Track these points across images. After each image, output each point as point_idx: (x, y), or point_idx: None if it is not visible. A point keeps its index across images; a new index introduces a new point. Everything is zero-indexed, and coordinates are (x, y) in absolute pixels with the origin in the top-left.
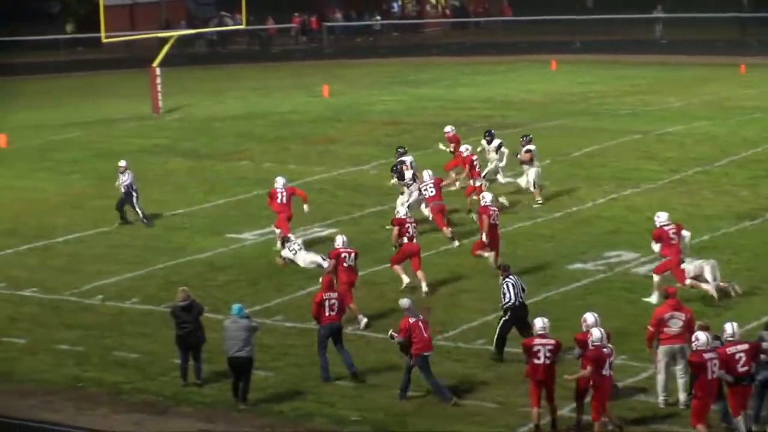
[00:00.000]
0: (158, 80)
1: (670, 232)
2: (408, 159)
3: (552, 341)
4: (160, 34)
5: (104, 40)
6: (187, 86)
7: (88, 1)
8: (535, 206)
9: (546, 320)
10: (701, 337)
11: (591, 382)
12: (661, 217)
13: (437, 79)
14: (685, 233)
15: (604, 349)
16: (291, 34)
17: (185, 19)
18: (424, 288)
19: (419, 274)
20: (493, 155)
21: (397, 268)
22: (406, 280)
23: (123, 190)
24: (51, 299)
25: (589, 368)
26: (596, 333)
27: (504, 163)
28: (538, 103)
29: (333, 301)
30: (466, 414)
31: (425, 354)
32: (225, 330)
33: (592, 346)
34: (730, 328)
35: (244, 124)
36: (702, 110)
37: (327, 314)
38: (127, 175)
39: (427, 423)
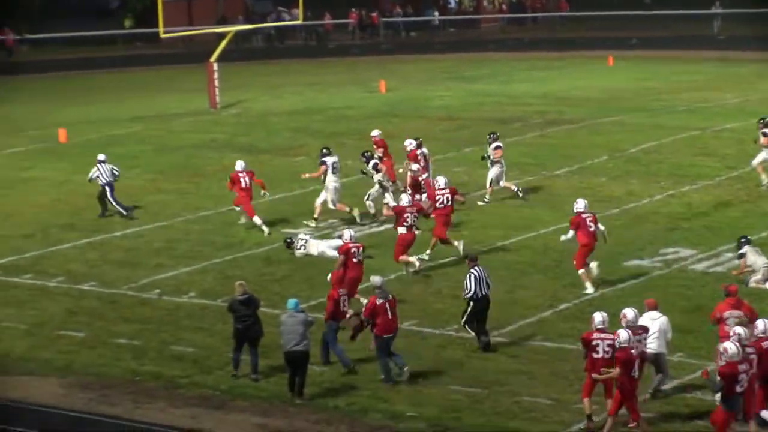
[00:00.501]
0: (215, 75)
1: (588, 219)
2: (330, 160)
3: (611, 336)
4: (217, 30)
5: (162, 36)
6: (245, 81)
7: None
8: (479, 202)
9: (605, 315)
10: (730, 348)
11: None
12: (580, 204)
13: (493, 75)
14: (601, 226)
15: (633, 351)
16: (348, 30)
17: (243, 14)
18: (412, 269)
19: (402, 258)
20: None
21: (403, 258)
22: (415, 262)
23: (102, 181)
24: (109, 293)
25: (617, 369)
26: (623, 335)
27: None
28: (594, 99)
29: (345, 297)
30: (522, 410)
31: (386, 336)
32: (282, 324)
33: (620, 347)
34: (762, 324)
35: (300, 120)
36: (760, 107)
37: (342, 310)
38: (104, 168)
39: (482, 419)
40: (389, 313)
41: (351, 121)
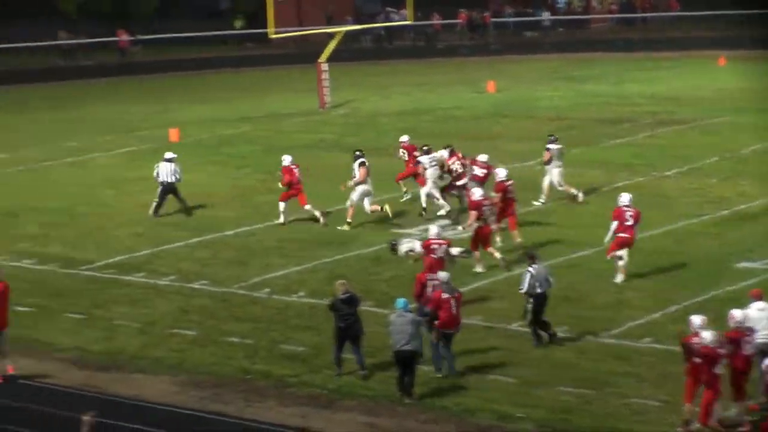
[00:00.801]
0: (325, 75)
1: (627, 213)
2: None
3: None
4: (327, 30)
5: (272, 36)
6: (354, 81)
7: None
8: (535, 202)
9: (704, 318)
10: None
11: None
12: (624, 198)
13: (603, 75)
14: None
15: (720, 350)
16: (456, 30)
17: (352, 14)
18: (502, 264)
19: (490, 249)
20: (555, 162)
21: (477, 254)
22: (479, 269)
23: (160, 179)
24: (220, 292)
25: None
26: (706, 335)
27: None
28: (705, 99)
29: (436, 281)
30: (631, 412)
31: (447, 331)
32: (390, 324)
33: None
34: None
35: (409, 120)
36: None
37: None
38: (166, 167)
39: (591, 420)
40: (453, 308)
41: (459, 121)
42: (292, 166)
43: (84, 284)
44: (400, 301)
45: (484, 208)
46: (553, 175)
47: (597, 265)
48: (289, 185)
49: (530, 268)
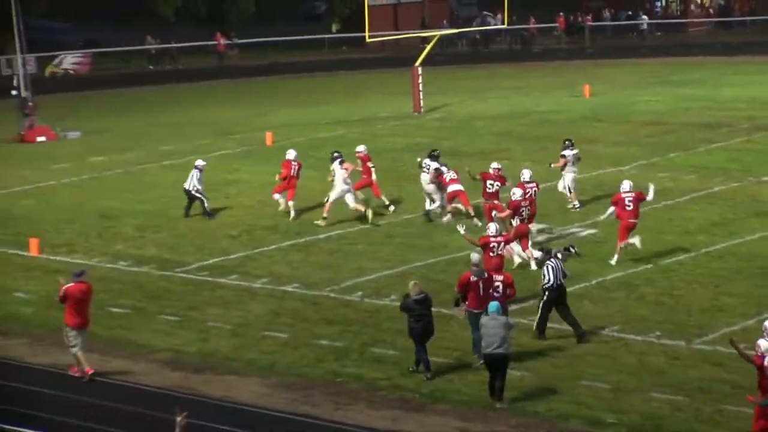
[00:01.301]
0: (420, 79)
1: (627, 199)
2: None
3: None
4: (422, 34)
5: (368, 40)
6: (449, 85)
7: (353, 0)
8: (571, 209)
9: None
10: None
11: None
12: (624, 185)
13: (701, 79)
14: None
15: None
16: (554, 34)
17: (448, 18)
18: (534, 266)
19: (528, 252)
20: (570, 167)
21: (509, 248)
22: (517, 260)
23: (186, 186)
24: (312, 295)
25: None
26: (763, 343)
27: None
28: None
29: (497, 283)
30: (725, 419)
31: (475, 311)
32: (482, 327)
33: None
34: None
35: (504, 124)
36: None
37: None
38: (195, 174)
39: (684, 427)
40: (481, 290)
41: (555, 125)
42: (293, 162)
43: (179, 286)
44: (493, 304)
45: (522, 209)
46: (567, 179)
47: (693, 270)
48: (285, 179)
49: (550, 262)
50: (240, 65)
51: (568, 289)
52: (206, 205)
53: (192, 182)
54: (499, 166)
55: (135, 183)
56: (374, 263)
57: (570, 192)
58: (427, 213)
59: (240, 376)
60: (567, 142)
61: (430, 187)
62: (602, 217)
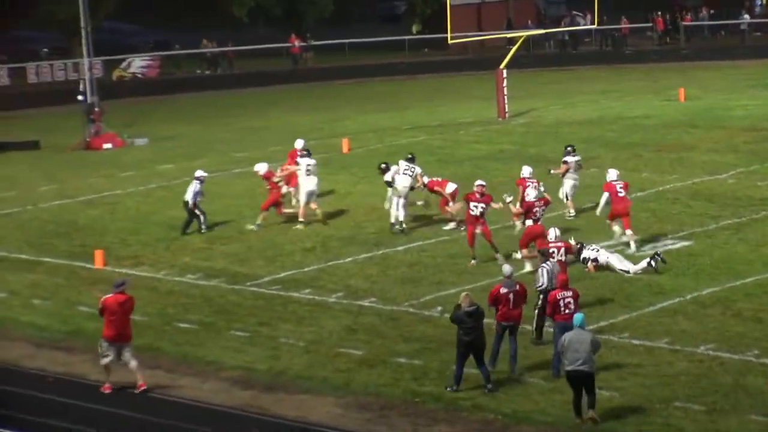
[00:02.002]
0: (505, 83)
1: (618, 186)
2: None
3: None
4: (507, 35)
5: (450, 42)
6: (535, 89)
7: (434, 0)
8: (567, 216)
9: None
10: None
11: None
12: (611, 174)
13: None
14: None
15: None
16: (647, 34)
17: (534, 18)
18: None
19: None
20: (571, 174)
21: (524, 252)
22: (528, 267)
23: (186, 198)
24: (389, 310)
25: None
26: None
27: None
28: None
29: (568, 299)
30: None
31: (504, 323)
32: (567, 341)
33: None
34: None
35: (593, 129)
36: None
37: (563, 312)
38: (193, 185)
39: None
40: (511, 303)
41: (648, 131)
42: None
43: (249, 300)
44: (578, 317)
45: (536, 209)
46: (566, 186)
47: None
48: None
49: (545, 264)
50: (315, 68)
51: (663, 304)
52: (203, 223)
53: (191, 194)
54: (483, 183)
55: (205, 192)
56: (455, 277)
57: (567, 199)
58: (393, 226)
59: (313, 396)
60: (569, 148)
61: (405, 191)
62: (599, 209)
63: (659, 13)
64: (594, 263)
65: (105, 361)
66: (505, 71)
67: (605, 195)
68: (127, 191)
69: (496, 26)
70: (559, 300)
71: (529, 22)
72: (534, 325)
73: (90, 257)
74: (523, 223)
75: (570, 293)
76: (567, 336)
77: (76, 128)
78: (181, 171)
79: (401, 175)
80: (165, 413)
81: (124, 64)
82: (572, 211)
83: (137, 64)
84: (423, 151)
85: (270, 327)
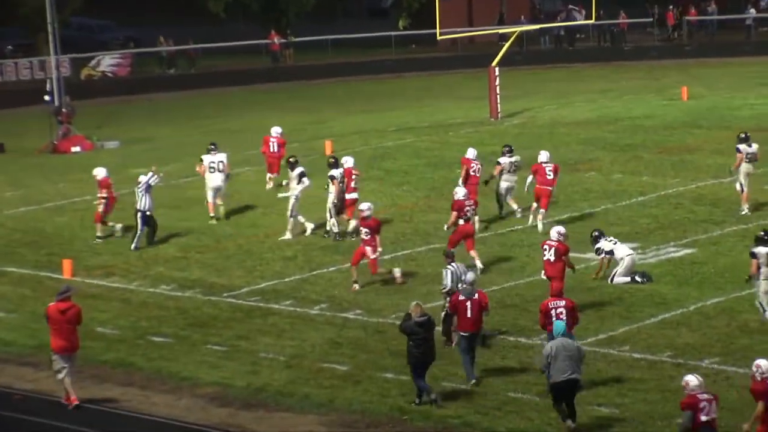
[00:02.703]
0: (497, 81)
1: (547, 168)
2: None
3: None
4: (500, 30)
5: (439, 38)
6: (529, 88)
7: None
8: (516, 215)
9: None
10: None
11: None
12: (542, 156)
13: None
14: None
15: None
16: (647, 30)
17: (528, 13)
18: (479, 265)
19: (473, 253)
20: (506, 176)
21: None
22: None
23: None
24: (375, 322)
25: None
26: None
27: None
28: None
29: (560, 309)
30: None
31: (463, 333)
32: (553, 351)
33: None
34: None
35: (591, 130)
36: None
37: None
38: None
39: None
40: (469, 311)
41: (648, 132)
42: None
43: (227, 313)
44: (559, 325)
45: (466, 208)
46: (500, 187)
47: None
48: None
49: (449, 266)
50: (297, 66)
51: (666, 315)
52: (139, 236)
53: (145, 202)
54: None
55: (178, 198)
56: None
57: (503, 200)
58: (328, 232)
59: (295, 413)
60: (506, 148)
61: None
62: (526, 187)
63: (671, 7)
64: (609, 256)
65: (60, 376)
66: (497, 69)
67: (531, 176)
68: (97, 197)
69: (488, 21)
70: (551, 309)
71: (523, 17)
72: (442, 330)
73: (58, 267)
74: (455, 224)
75: (563, 303)
76: (553, 345)
77: (42, 130)
78: None
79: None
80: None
81: (93, 63)
82: (515, 206)
83: (107, 62)
84: (410, 153)
85: (249, 341)
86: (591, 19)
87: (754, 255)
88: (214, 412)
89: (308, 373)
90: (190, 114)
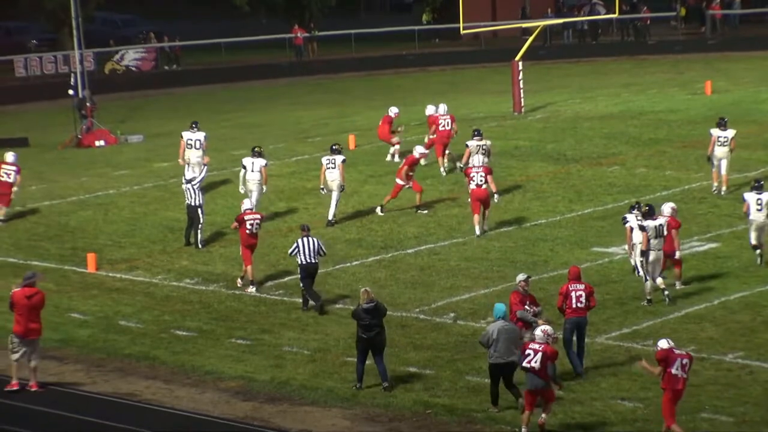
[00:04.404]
0: (520, 75)
1: (443, 119)
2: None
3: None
4: (523, 25)
5: (463, 32)
6: (553, 82)
7: None
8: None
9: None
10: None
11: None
12: (440, 108)
13: None
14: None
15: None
16: (671, 24)
17: (552, 7)
18: (478, 231)
19: (477, 218)
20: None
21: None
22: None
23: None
24: (399, 316)
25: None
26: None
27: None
28: None
29: (579, 292)
30: None
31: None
32: (493, 333)
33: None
34: None
35: (615, 125)
36: None
37: (574, 306)
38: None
39: None
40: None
41: (672, 126)
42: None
43: (251, 307)
44: (500, 308)
45: (472, 174)
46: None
47: None
48: None
49: (301, 239)
50: (320, 60)
51: (688, 310)
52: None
53: (200, 196)
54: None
55: (205, 192)
56: (469, 281)
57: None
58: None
59: (318, 407)
60: (475, 132)
61: (336, 184)
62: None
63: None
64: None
65: (15, 357)
66: (520, 63)
67: (433, 127)
68: (120, 191)
69: (512, 15)
70: (571, 292)
71: (548, 11)
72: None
73: (82, 261)
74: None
75: (582, 286)
76: (495, 328)
77: (66, 124)
78: (178, 170)
79: (328, 170)
80: (163, 426)
81: (117, 57)
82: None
83: (131, 56)
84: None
85: (272, 334)
86: (614, 13)
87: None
88: (238, 406)
89: (332, 367)
90: (214, 108)
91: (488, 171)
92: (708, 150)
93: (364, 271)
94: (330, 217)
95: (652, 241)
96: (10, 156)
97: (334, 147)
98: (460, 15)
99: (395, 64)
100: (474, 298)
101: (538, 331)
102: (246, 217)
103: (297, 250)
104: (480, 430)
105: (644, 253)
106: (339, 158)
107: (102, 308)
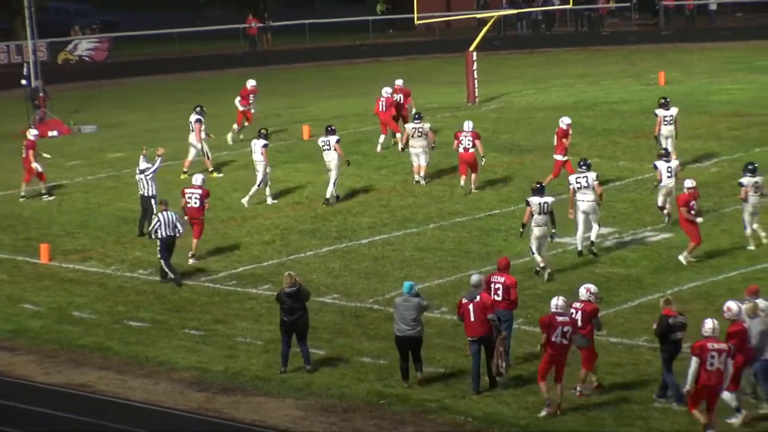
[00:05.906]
0: (474, 66)
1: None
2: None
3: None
4: (477, 15)
5: (417, 23)
6: (507, 73)
7: None
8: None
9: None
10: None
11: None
12: (466, 126)
13: None
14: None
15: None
16: (624, 15)
17: None
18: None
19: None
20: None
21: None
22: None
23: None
24: (353, 307)
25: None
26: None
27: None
28: None
29: (498, 285)
30: None
31: (469, 338)
32: (394, 308)
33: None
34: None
35: (569, 115)
36: None
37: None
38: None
39: None
40: (472, 315)
41: (625, 117)
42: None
43: (204, 297)
44: (406, 285)
45: (461, 137)
46: (411, 153)
47: None
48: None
49: (161, 213)
50: (274, 51)
51: (641, 300)
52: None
53: (153, 187)
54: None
55: (157, 182)
56: (423, 271)
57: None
58: (328, 200)
59: (272, 398)
60: (416, 116)
61: (333, 164)
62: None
63: None
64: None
65: None
66: (474, 54)
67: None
68: (74, 181)
69: (466, 6)
70: (491, 283)
71: (502, 1)
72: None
73: (35, 251)
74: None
75: (502, 279)
76: (396, 301)
77: (19, 115)
78: (132, 160)
79: (325, 152)
80: (116, 417)
81: (70, 47)
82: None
83: (84, 46)
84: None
85: (226, 325)
86: (568, 3)
87: (741, 185)
88: (191, 397)
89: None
90: (166, 99)
91: (476, 135)
92: (655, 130)
93: (318, 261)
94: (327, 196)
95: (537, 217)
96: None
97: (329, 128)
98: (415, 5)
99: (349, 54)
100: (428, 288)
101: (581, 289)
102: (186, 190)
103: (159, 224)
104: (434, 419)
105: (524, 226)
106: (333, 138)
107: (55, 299)
